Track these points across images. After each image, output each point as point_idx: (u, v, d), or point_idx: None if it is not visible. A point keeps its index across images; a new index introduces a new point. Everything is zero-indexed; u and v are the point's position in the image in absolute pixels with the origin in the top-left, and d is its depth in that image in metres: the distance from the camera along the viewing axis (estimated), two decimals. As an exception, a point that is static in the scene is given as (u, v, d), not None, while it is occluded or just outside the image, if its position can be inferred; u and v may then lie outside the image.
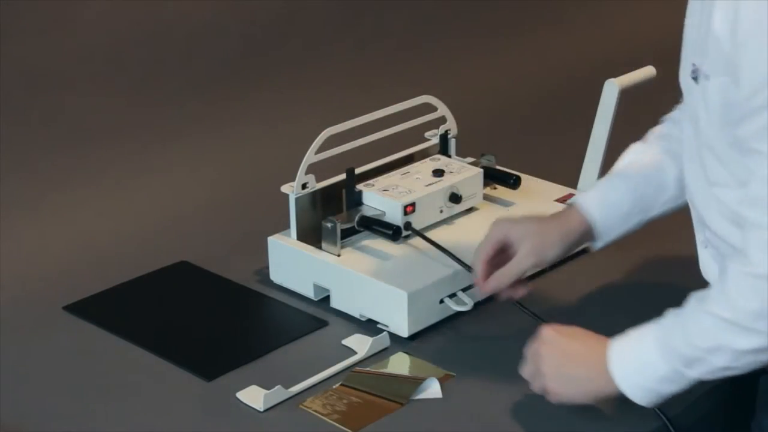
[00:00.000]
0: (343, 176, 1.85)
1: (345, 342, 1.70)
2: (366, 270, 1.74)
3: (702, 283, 1.51)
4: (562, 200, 1.92)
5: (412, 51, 2.62)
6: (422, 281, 1.69)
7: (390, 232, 1.77)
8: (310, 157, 1.79)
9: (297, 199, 1.80)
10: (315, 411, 1.55)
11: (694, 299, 1.34)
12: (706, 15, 1.33)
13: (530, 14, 2.84)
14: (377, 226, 1.79)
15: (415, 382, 1.59)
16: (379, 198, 1.82)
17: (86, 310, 1.80)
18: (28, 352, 1.70)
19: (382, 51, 2.58)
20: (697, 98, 1.36)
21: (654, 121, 1.66)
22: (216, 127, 2.29)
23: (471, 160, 1.98)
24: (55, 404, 1.58)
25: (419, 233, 1.80)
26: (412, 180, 1.87)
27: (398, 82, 2.47)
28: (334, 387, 1.60)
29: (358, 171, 1.86)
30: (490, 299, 1.68)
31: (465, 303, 1.71)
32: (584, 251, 1.76)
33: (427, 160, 1.95)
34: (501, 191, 1.96)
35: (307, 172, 1.80)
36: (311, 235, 1.81)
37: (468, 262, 1.72)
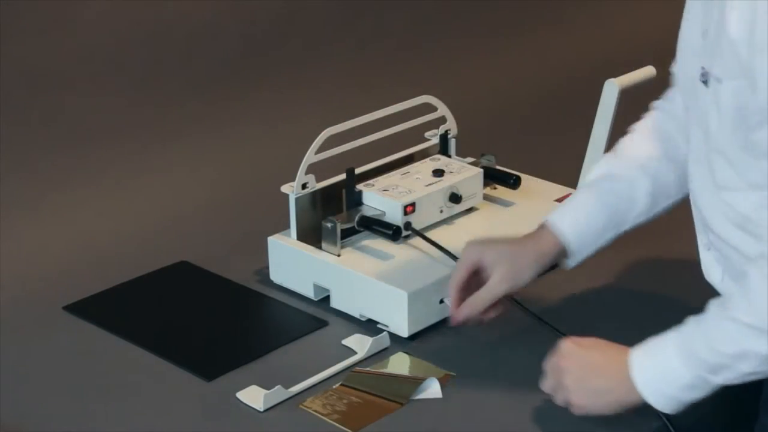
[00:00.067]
0: (343, 176, 1.85)
1: (345, 342, 1.70)
2: (366, 270, 1.74)
3: (702, 284, 1.51)
4: (562, 200, 1.92)
5: (412, 51, 2.62)
6: (422, 281, 1.69)
7: (390, 232, 1.77)
8: (310, 157, 1.79)
9: (297, 199, 1.80)
10: (315, 411, 1.55)
11: (716, 305, 1.34)
12: (714, 17, 1.32)
13: (530, 14, 2.84)
14: (377, 226, 1.79)
15: (415, 382, 1.59)
16: (379, 198, 1.82)
17: (86, 310, 1.80)
18: (28, 352, 1.70)
19: (382, 51, 2.58)
20: (707, 101, 1.35)
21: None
22: (216, 127, 2.29)
23: (471, 160, 1.98)
24: (55, 404, 1.58)
25: (419, 233, 1.80)
26: (412, 180, 1.87)
27: (398, 82, 2.47)
28: (334, 387, 1.60)
29: (358, 171, 1.86)
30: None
31: (465, 303, 1.71)
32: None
33: (427, 160, 1.95)
34: (501, 191, 1.96)
35: (307, 172, 1.80)
36: (311, 235, 1.81)
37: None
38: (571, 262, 1.58)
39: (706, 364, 1.31)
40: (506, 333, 1.68)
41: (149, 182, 2.14)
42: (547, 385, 1.44)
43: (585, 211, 1.57)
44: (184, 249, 1.96)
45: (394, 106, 1.88)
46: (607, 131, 1.92)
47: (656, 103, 1.64)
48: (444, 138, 1.99)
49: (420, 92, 1.95)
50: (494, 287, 1.54)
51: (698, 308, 1.68)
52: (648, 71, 1.94)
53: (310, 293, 1.80)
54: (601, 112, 1.92)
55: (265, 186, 1.98)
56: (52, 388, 1.62)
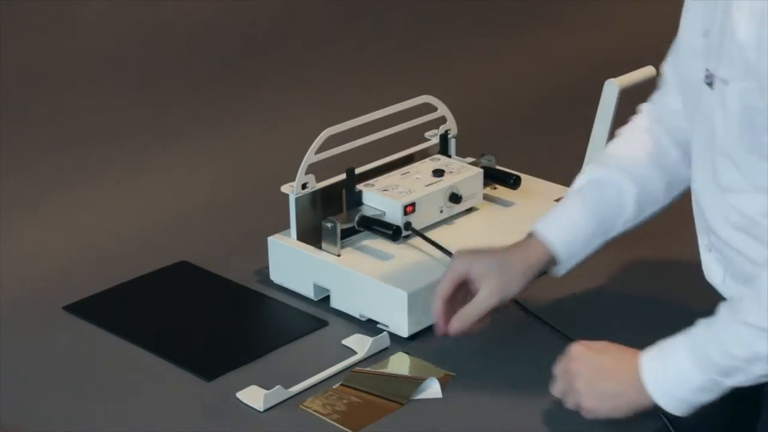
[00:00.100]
0: (343, 176, 1.85)
1: (345, 342, 1.70)
2: (366, 270, 1.74)
3: (702, 285, 1.51)
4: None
5: (412, 51, 2.62)
6: (422, 281, 1.69)
7: (390, 232, 1.77)
8: (310, 157, 1.79)
9: (297, 199, 1.80)
10: (315, 411, 1.55)
11: (726, 308, 1.33)
12: (718, 17, 1.32)
13: (530, 14, 2.84)
14: (377, 226, 1.79)
15: (415, 382, 1.59)
16: (379, 198, 1.82)
17: (86, 310, 1.80)
18: (28, 352, 1.70)
19: (382, 51, 2.58)
20: (712, 104, 1.34)
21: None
22: (216, 127, 2.29)
23: (471, 160, 1.98)
24: (55, 404, 1.58)
25: (419, 233, 1.80)
26: (412, 180, 1.87)
27: (398, 82, 2.47)
28: (334, 387, 1.60)
29: (358, 171, 1.86)
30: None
31: (465, 303, 1.71)
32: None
33: (427, 160, 1.95)
34: (501, 191, 1.96)
35: (307, 172, 1.80)
36: (311, 235, 1.81)
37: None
38: (561, 270, 1.56)
39: (719, 367, 1.31)
40: (506, 333, 1.68)
41: (149, 182, 2.14)
42: (557, 388, 1.43)
43: (573, 220, 1.55)
44: (184, 249, 1.96)
45: (394, 106, 1.88)
46: (607, 131, 1.92)
47: (643, 106, 1.63)
48: (444, 138, 1.99)
49: (420, 92, 1.95)
50: (484, 301, 1.52)
51: (698, 308, 1.68)
52: (648, 71, 1.94)
53: (310, 293, 1.80)
54: (601, 112, 1.92)
55: (265, 186, 1.98)
56: (52, 388, 1.62)
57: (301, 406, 1.56)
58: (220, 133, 2.28)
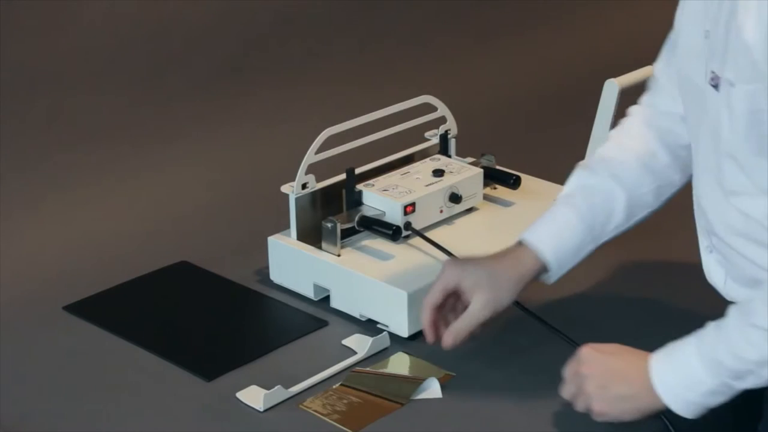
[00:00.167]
0: (343, 176, 1.85)
1: (345, 342, 1.70)
2: (366, 270, 1.74)
3: (702, 285, 1.51)
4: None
5: (412, 51, 2.62)
6: (422, 281, 1.69)
7: (390, 232, 1.77)
8: (310, 157, 1.79)
9: (297, 199, 1.80)
10: (315, 411, 1.55)
11: (736, 311, 1.33)
12: (722, 17, 1.31)
13: (530, 14, 2.84)
14: (377, 226, 1.79)
15: (415, 382, 1.59)
16: (379, 198, 1.82)
17: (86, 310, 1.80)
18: (28, 352, 1.70)
19: (382, 51, 2.58)
20: (718, 106, 1.34)
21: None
22: (216, 127, 2.29)
23: (471, 160, 1.98)
24: (55, 404, 1.58)
25: (419, 233, 1.80)
26: (412, 180, 1.87)
27: (398, 82, 2.47)
28: (334, 387, 1.60)
29: (358, 171, 1.86)
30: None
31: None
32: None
33: (427, 160, 1.95)
34: (501, 191, 1.96)
35: (307, 172, 1.80)
36: (311, 235, 1.81)
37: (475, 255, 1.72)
38: (552, 278, 1.56)
39: (730, 371, 1.31)
40: (506, 333, 1.68)
41: (149, 182, 2.14)
42: (567, 391, 1.43)
43: (563, 228, 1.54)
44: (184, 249, 1.96)
45: (394, 106, 1.88)
46: (607, 131, 1.91)
47: (633, 109, 1.62)
48: (444, 138, 1.99)
49: (420, 92, 1.95)
50: (476, 315, 1.52)
51: (698, 308, 1.68)
52: (648, 71, 1.93)
53: (310, 293, 1.80)
54: (601, 112, 1.92)
55: (265, 186, 1.98)
56: (52, 388, 1.62)
57: (301, 406, 1.56)
58: (220, 133, 2.28)
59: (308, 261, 1.79)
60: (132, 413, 1.56)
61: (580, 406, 1.41)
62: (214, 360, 1.67)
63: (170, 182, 2.15)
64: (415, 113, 1.93)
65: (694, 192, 1.48)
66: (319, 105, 2.38)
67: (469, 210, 1.92)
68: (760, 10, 1.26)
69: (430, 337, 1.56)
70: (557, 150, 2.24)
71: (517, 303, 1.58)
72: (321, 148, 1.79)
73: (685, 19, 1.44)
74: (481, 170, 1.91)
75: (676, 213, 1.63)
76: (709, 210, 1.42)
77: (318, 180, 1.82)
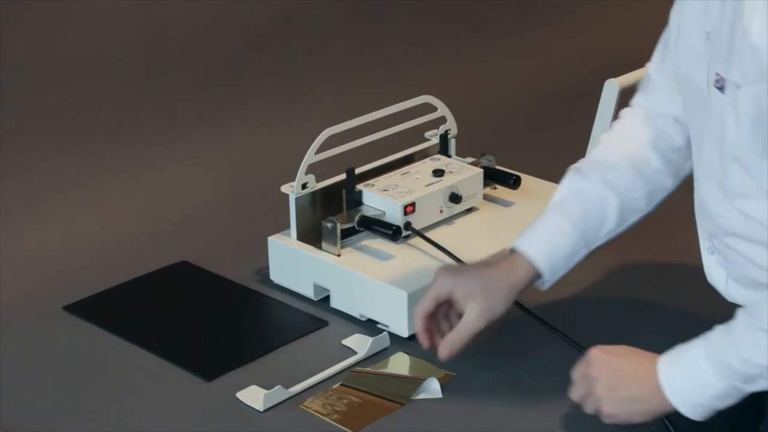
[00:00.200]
0: (343, 176, 1.85)
1: (345, 342, 1.70)
2: (366, 270, 1.74)
3: (702, 284, 1.51)
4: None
5: (412, 51, 2.62)
6: (422, 281, 1.69)
7: (390, 232, 1.77)
8: (310, 157, 1.79)
9: (297, 199, 1.80)
10: (315, 411, 1.55)
11: (743, 315, 1.33)
12: (726, 18, 1.31)
13: (530, 14, 2.84)
14: (377, 226, 1.79)
15: (415, 382, 1.59)
16: (379, 198, 1.82)
17: (86, 310, 1.80)
18: (28, 352, 1.70)
19: (382, 51, 2.58)
20: (724, 108, 1.33)
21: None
22: (216, 127, 2.29)
23: (471, 160, 1.98)
24: (55, 404, 1.58)
25: (419, 233, 1.80)
26: (412, 180, 1.87)
27: (398, 82, 2.47)
28: (334, 387, 1.60)
29: (358, 171, 1.86)
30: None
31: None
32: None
33: (427, 160, 1.95)
34: (501, 191, 1.96)
35: (307, 172, 1.80)
36: (311, 235, 1.81)
37: (468, 263, 1.72)
38: (545, 285, 1.55)
39: (740, 374, 1.31)
40: (505, 333, 1.68)
41: (149, 182, 2.14)
42: (575, 393, 1.42)
43: (556, 235, 1.53)
44: (184, 249, 1.96)
45: (394, 106, 1.88)
46: (607, 131, 1.91)
47: (625, 112, 1.62)
48: (444, 138, 1.99)
49: (420, 92, 1.95)
50: (471, 325, 1.51)
51: (698, 308, 1.69)
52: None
53: (310, 293, 1.80)
54: (601, 112, 1.92)
55: (265, 186, 1.98)
56: (52, 388, 1.62)
57: (301, 406, 1.56)
58: (220, 133, 2.28)
59: (308, 261, 1.79)
60: (132, 413, 1.56)
61: (589, 408, 1.41)
62: (214, 360, 1.67)
63: (170, 182, 2.15)
64: (415, 113, 1.93)
65: (696, 194, 1.47)
66: (319, 105, 2.38)
67: (469, 210, 1.92)
68: (767, 11, 1.25)
69: (424, 343, 1.56)
70: (557, 150, 2.24)
71: (517, 303, 1.58)
72: (321, 148, 1.79)
73: (684, 20, 1.43)
74: (481, 170, 1.91)
75: (675, 213, 1.63)
76: (712, 212, 1.42)
77: (318, 180, 1.82)
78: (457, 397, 1.57)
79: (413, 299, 1.67)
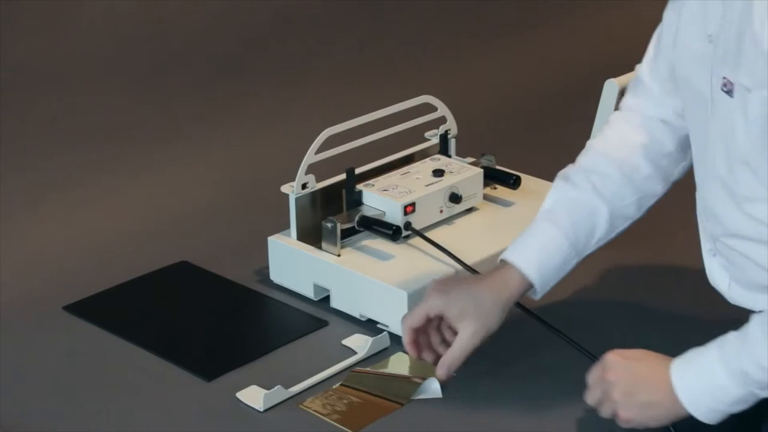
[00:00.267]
0: (343, 176, 1.85)
1: (345, 342, 1.70)
2: (366, 270, 1.74)
3: (702, 284, 1.51)
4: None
5: (412, 51, 2.63)
6: (422, 281, 1.69)
7: (390, 232, 1.77)
8: (310, 157, 1.79)
9: (297, 199, 1.80)
10: (315, 411, 1.55)
11: (758, 321, 1.31)
12: (733, 23, 1.30)
13: (530, 14, 2.84)
14: (377, 226, 1.79)
15: (415, 382, 1.59)
16: (379, 198, 1.82)
17: (86, 310, 1.80)
18: (28, 352, 1.70)
19: (382, 51, 2.58)
20: (732, 112, 1.32)
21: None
22: (216, 127, 2.29)
23: (471, 160, 1.98)
24: (55, 404, 1.58)
25: (419, 233, 1.80)
26: (412, 180, 1.87)
27: (398, 82, 2.47)
28: (334, 387, 1.60)
29: (358, 171, 1.86)
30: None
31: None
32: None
33: (427, 160, 1.95)
34: (501, 191, 1.96)
35: (307, 172, 1.80)
36: (311, 235, 1.81)
37: (468, 263, 1.72)
38: (537, 295, 1.55)
39: (757, 381, 1.30)
40: (505, 333, 1.68)
41: (149, 182, 2.14)
42: (591, 397, 1.41)
43: (547, 245, 1.52)
44: (184, 249, 1.96)
45: (394, 106, 1.88)
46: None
47: (614, 117, 1.61)
48: (444, 138, 1.99)
49: (420, 92, 1.95)
50: (466, 345, 1.51)
51: (698, 308, 1.69)
52: (648, 71, 1.94)
53: (310, 293, 1.80)
54: (601, 112, 1.92)
55: (265, 186, 1.98)
56: (52, 388, 1.62)
57: (301, 406, 1.56)
58: (220, 133, 2.28)
59: (308, 261, 1.79)
60: (132, 413, 1.56)
61: (605, 412, 1.40)
62: (214, 360, 1.67)
63: (170, 182, 2.15)
64: (415, 113, 1.93)
65: (699, 196, 1.46)
66: (319, 105, 2.38)
67: (469, 210, 1.92)
68: None
69: (413, 354, 1.56)
70: (557, 150, 2.24)
71: (517, 303, 1.58)
72: (321, 148, 1.79)
73: (682, 21, 1.42)
74: (481, 170, 1.91)
75: (675, 213, 1.63)
76: (717, 214, 1.40)
77: (318, 180, 1.82)
78: (457, 397, 1.57)
79: (413, 299, 1.67)
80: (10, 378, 1.63)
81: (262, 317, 1.80)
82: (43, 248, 1.95)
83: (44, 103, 2.10)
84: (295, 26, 2.46)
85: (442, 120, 1.98)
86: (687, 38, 1.41)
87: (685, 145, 1.54)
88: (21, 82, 2.07)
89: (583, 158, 1.59)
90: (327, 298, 1.79)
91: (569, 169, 1.59)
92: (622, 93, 1.89)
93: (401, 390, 1.58)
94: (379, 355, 1.67)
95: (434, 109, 1.96)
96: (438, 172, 1.88)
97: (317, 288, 1.79)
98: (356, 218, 1.81)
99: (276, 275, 1.85)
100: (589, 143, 1.61)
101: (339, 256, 1.78)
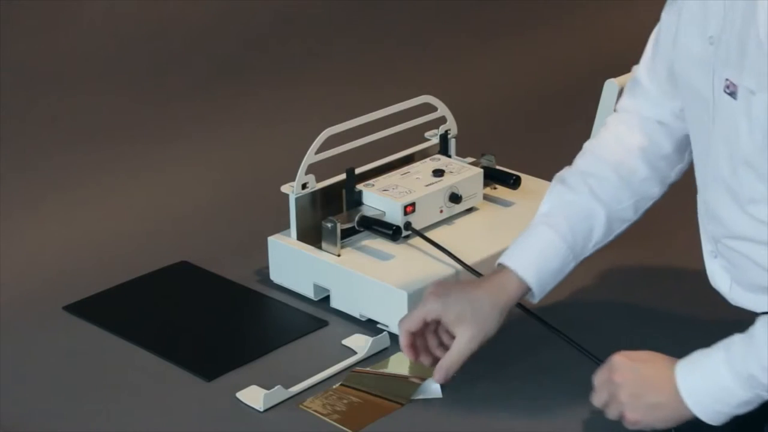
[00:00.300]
0: (343, 176, 1.85)
1: (345, 342, 1.70)
2: (366, 270, 1.74)
3: (702, 284, 1.51)
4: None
5: (412, 51, 2.63)
6: (422, 281, 1.69)
7: (390, 232, 1.77)
8: (310, 157, 1.79)
9: (297, 199, 1.80)
10: (315, 411, 1.55)
11: (764, 324, 1.31)
12: (735, 26, 1.29)
13: (530, 14, 2.84)
14: (377, 226, 1.79)
15: (414, 382, 1.59)
16: (379, 198, 1.82)
17: (86, 310, 1.80)
18: (28, 352, 1.70)
19: (382, 51, 2.58)
20: (736, 114, 1.32)
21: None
22: (216, 127, 2.29)
23: (471, 160, 1.98)
24: (55, 404, 1.58)
25: (419, 233, 1.80)
26: (412, 180, 1.87)
27: (398, 82, 2.47)
28: (334, 387, 1.60)
29: (358, 171, 1.86)
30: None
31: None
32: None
33: (427, 160, 1.95)
34: (501, 191, 1.96)
35: (307, 172, 1.80)
36: (311, 235, 1.81)
37: (468, 263, 1.72)
38: (535, 298, 1.55)
39: (763, 385, 1.30)
40: (505, 333, 1.68)
41: (149, 182, 2.14)
42: (598, 399, 1.41)
43: (545, 249, 1.52)
44: (184, 249, 1.96)
45: (394, 106, 1.88)
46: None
47: (611, 119, 1.60)
48: (444, 138, 1.99)
49: (420, 92, 1.95)
50: (464, 350, 1.51)
51: (698, 308, 1.69)
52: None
53: (310, 293, 1.80)
54: (601, 112, 1.92)
55: (265, 186, 1.98)
56: (52, 388, 1.62)
57: (301, 406, 1.56)
58: (220, 133, 2.28)
59: (308, 261, 1.79)
60: (132, 413, 1.56)
61: (612, 414, 1.40)
62: (214, 360, 1.67)
63: (170, 182, 2.15)
64: (415, 113, 1.93)
65: (700, 198, 1.46)
66: (319, 105, 2.38)
67: (469, 210, 1.92)
68: None
69: (410, 358, 1.56)
70: (557, 150, 2.24)
71: (518, 304, 1.58)
72: (321, 148, 1.79)
73: (682, 23, 1.41)
74: (481, 170, 1.91)
75: (675, 213, 1.63)
76: (719, 216, 1.40)
77: (318, 180, 1.82)
78: (457, 398, 1.57)
79: (413, 299, 1.67)
80: (10, 378, 1.63)
81: (262, 317, 1.80)
82: (43, 248, 1.95)
83: (44, 103, 2.10)
84: (295, 26, 2.46)
85: (442, 120, 1.98)
86: (687, 39, 1.40)
87: (682, 147, 1.54)
88: (21, 82, 2.07)
89: (580, 161, 1.59)
90: (327, 298, 1.79)
91: (566, 172, 1.59)
92: (621, 93, 1.90)
93: (401, 390, 1.58)
94: (379, 355, 1.67)
95: (434, 109, 1.96)
96: (438, 172, 1.88)
97: (317, 288, 1.79)
98: (356, 218, 1.81)
99: (276, 275, 1.85)
100: (585, 145, 1.61)
101: (339, 256, 1.78)
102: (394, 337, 1.69)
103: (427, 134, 2.00)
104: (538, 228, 1.54)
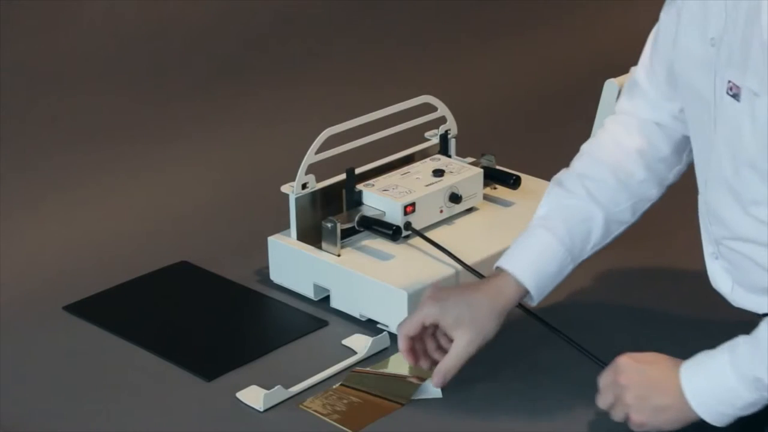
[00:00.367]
0: (343, 176, 1.85)
1: (345, 342, 1.70)
2: (366, 270, 1.74)
3: (702, 285, 1.51)
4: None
5: (412, 51, 2.63)
6: (422, 281, 1.69)
7: (390, 232, 1.77)
8: (310, 157, 1.79)
9: (297, 199, 1.80)
10: (315, 411, 1.55)
11: None
12: (738, 27, 1.29)
13: (530, 14, 2.84)
14: (377, 226, 1.79)
15: (414, 382, 1.59)
16: (379, 198, 1.82)
17: (86, 310, 1.80)
18: (28, 352, 1.70)
19: (382, 51, 2.58)
20: (739, 116, 1.32)
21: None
22: (216, 127, 2.29)
23: (471, 160, 1.98)
24: (55, 404, 1.58)
25: (419, 233, 1.80)
26: (412, 180, 1.87)
27: (398, 82, 2.47)
28: (334, 387, 1.60)
29: (358, 171, 1.86)
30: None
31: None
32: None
33: (427, 160, 1.95)
34: (501, 191, 1.96)
35: (307, 172, 1.80)
36: (311, 235, 1.81)
37: (468, 263, 1.72)
38: (534, 301, 1.55)
39: None
40: (505, 333, 1.68)
41: (149, 182, 2.14)
42: (603, 401, 1.41)
43: (543, 253, 1.52)
44: (184, 249, 1.96)
45: (394, 106, 1.88)
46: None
47: (609, 121, 1.60)
48: (444, 138, 1.99)
49: (420, 92, 1.95)
50: (462, 354, 1.51)
51: (698, 307, 1.69)
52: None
53: (310, 293, 1.80)
54: (601, 112, 1.92)
55: (265, 186, 1.98)
56: (52, 388, 1.62)
57: (301, 406, 1.56)
58: (220, 133, 2.28)
59: (308, 261, 1.79)
60: (132, 413, 1.56)
61: (618, 416, 1.39)
62: (214, 360, 1.67)
63: (170, 182, 2.15)
64: (415, 113, 1.93)
65: (701, 199, 1.46)
66: (319, 105, 2.38)
67: (469, 210, 1.92)
68: None
69: (409, 361, 1.56)
70: (557, 150, 2.24)
71: (518, 304, 1.58)
72: (321, 148, 1.79)
73: (682, 24, 1.41)
74: (481, 170, 1.91)
75: (675, 213, 1.63)
76: (721, 217, 1.40)
77: (318, 180, 1.83)
78: (457, 398, 1.57)
79: (413, 299, 1.67)
80: (10, 378, 1.63)
81: (262, 317, 1.80)
82: (43, 248, 1.95)
83: (44, 103, 2.10)
84: (295, 26, 2.46)
85: (442, 120, 1.98)
86: (687, 40, 1.40)
87: (680, 149, 1.54)
88: (21, 82, 2.07)
89: (578, 163, 1.59)
90: (327, 298, 1.79)
91: (563, 174, 1.59)
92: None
93: (401, 390, 1.58)
94: (379, 355, 1.67)
95: (434, 109, 1.96)
96: (438, 172, 1.88)
97: (317, 288, 1.79)
98: (356, 218, 1.81)
99: (276, 275, 1.85)
100: (583, 147, 1.61)
101: (339, 256, 1.78)
102: (394, 337, 1.69)
103: (427, 134, 2.00)
104: (535, 231, 1.54)
